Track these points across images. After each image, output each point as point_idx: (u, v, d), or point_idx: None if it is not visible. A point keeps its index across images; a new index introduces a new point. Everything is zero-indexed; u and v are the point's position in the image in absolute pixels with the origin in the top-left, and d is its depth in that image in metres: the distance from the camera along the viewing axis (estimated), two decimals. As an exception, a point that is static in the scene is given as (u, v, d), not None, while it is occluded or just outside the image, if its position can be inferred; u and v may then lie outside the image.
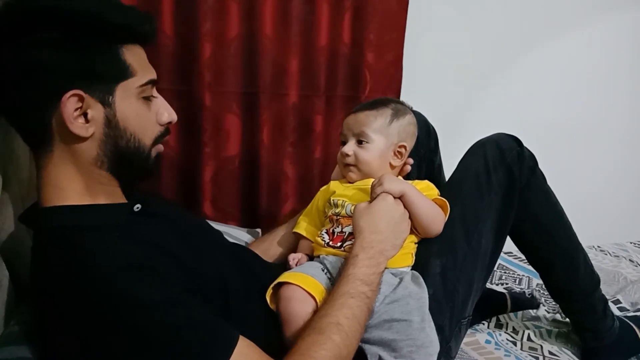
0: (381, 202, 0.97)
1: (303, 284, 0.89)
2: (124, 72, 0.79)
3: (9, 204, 0.91)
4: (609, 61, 2.27)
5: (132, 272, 0.71)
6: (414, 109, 1.17)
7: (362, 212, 0.97)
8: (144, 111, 0.83)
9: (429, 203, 1.03)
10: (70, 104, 0.74)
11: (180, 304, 0.72)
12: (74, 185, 0.80)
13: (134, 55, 0.81)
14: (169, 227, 0.89)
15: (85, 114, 0.76)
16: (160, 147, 0.88)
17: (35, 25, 0.74)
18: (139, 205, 0.86)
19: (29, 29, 0.74)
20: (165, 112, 0.87)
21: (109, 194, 0.84)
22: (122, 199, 0.87)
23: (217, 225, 1.28)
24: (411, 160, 1.16)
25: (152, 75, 0.84)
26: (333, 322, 0.80)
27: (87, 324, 0.69)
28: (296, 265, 1.04)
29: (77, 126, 0.76)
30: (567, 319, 1.37)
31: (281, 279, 0.92)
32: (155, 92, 0.86)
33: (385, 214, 0.96)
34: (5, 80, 0.76)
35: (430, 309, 0.95)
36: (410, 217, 1.01)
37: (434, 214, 1.04)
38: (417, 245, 1.06)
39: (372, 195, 0.99)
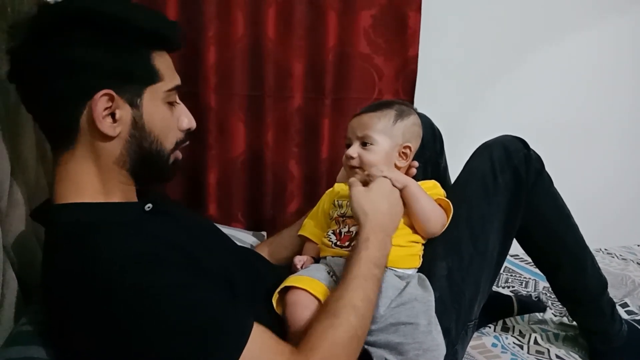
0: (380, 184, 0.99)
1: (309, 287, 0.89)
2: (153, 76, 0.81)
3: (16, 205, 0.91)
4: (612, 62, 2.26)
5: (144, 263, 0.72)
6: (419, 111, 1.17)
7: (362, 195, 0.98)
8: (168, 115, 0.85)
9: (430, 200, 1.03)
10: (101, 103, 0.76)
11: (194, 288, 0.73)
12: (91, 182, 0.81)
13: (163, 61, 0.83)
14: (179, 225, 0.91)
15: (113, 114, 0.78)
16: (178, 153, 0.90)
17: (70, 25, 0.76)
18: (150, 205, 0.87)
19: (64, 28, 0.76)
20: (185, 118, 0.89)
21: (124, 192, 0.85)
22: (134, 199, 0.88)
23: (222, 229, 1.28)
24: (416, 163, 1.16)
25: (178, 81, 0.86)
26: (349, 305, 0.82)
27: (103, 316, 0.69)
28: (302, 267, 1.04)
29: (106, 125, 0.77)
30: (574, 322, 1.36)
31: (287, 283, 0.91)
32: (177, 98, 0.88)
33: (386, 196, 0.98)
34: (38, 76, 0.77)
35: (436, 311, 0.95)
36: (410, 213, 1.01)
37: (435, 212, 1.03)
38: (423, 247, 1.06)
39: (371, 179, 1.00)
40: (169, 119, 0.85)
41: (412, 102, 1.82)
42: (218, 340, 0.69)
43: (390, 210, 0.98)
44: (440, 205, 1.05)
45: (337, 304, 0.82)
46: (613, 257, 2.06)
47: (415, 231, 1.04)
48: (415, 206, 1.00)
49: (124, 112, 0.79)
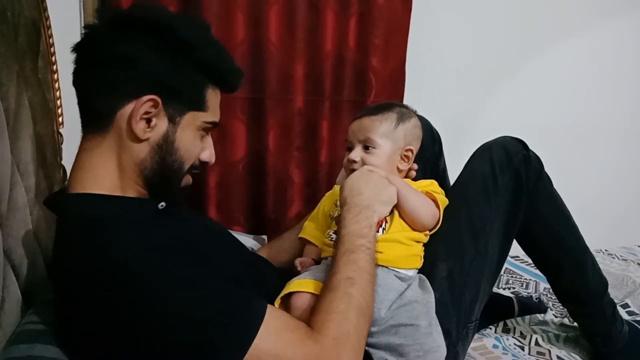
0: (356, 172, 1.02)
1: (314, 290, 0.89)
2: (200, 105, 0.85)
3: (17, 209, 0.91)
4: (613, 65, 2.26)
5: (158, 256, 0.74)
6: (418, 113, 1.17)
7: (342, 188, 1.00)
8: (197, 143, 0.88)
9: (416, 193, 1.03)
10: (145, 106, 0.79)
11: (206, 279, 0.75)
12: (110, 175, 0.82)
13: (214, 96, 0.88)
14: (190, 225, 0.93)
15: (149, 120, 0.81)
16: (189, 178, 0.92)
17: (148, 30, 0.80)
18: (163, 203, 0.88)
19: (141, 29, 0.80)
20: (208, 151, 0.92)
21: (139, 193, 0.86)
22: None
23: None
24: (416, 166, 1.16)
25: (217, 119, 0.90)
26: (344, 278, 0.84)
27: (116, 308, 0.70)
28: (302, 269, 1.04)
29: (139, 127, 0.80)
30: (575, 324, 1.36)
31: (291, 288, 0.91)
32: (209, 133, 0.92)
33: (362, 178, 1.00)
34: (100, 56, 0.80)
35: (437, 313, 0.95)
36: (398, 207, 1.01)
37: (422, 203, 1.03)
38: (424, 247, 1.06)
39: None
40: (196, 146, 0.88)
41: (402, 101, 1.83)
42: (234, 323, 0.71)
43: (372, 187, 0.98)
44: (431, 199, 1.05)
45: (333, 279, 0.85)
46: (614, 257, 2.06)
47: (413, 228, 1.03)
48: (402, 200, 1.01)
49: (161, 122, 0.82)
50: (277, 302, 0.91)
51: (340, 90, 1.80)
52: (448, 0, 1.97)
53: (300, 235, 1.15)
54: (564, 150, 2.17)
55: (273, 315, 0.75)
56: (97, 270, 0.71)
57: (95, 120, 0.82)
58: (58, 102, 1.24)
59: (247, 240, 1.46)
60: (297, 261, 1.06)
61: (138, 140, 0.81)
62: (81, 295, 0.72)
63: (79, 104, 0.85)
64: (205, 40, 0.85)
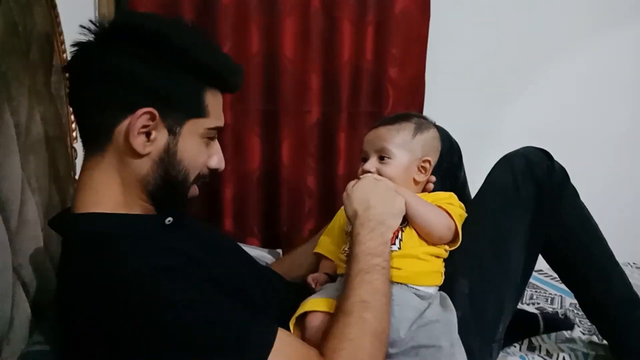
0: (361, 181, 0.99)
1: (331, 309, 0.85)
2: (200, 111, 0.81)
3: (27, 225, 0.90)
4: (633, 71, 2.20)
5: (162, 274, 0.71)
6: (437, 123, 1.14)
7: (348, 197, 0.97)
8: (202, 151, 0.84)
9: (426, 204, 0.99)
10: (141, 119, 0.76)
11: (211, 301, 0.72)
12: (113, 193, 0.80)
13: (214, 99, 0.84)
14: (199, 241, 0.90)
15: (148, 133, 0.78)
16: (195, 189, 0.89)
17: (136, 40, 0.77)
18: (170, 219, 0.86)
19: (130, 40, 0.77)
20: (216, 157, 0.88)
21: (144, 208, 0.84)
22: (154, 212, 0.87)
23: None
24: (434, 178, 1.12)
25: (222, 122, 0.86)
26: (357, 301, 0.80)
27: (119, 329, 0.68)
28: (316, 285, 1.01)
29: (138, 142, 0.77)
30: (605, 341, 1.30)
31: (306, 308, 0.88)
32: (215, 137, 0.89)
33: (369, 189, 0.96)
34: (89, 74, 0.78)
35: (459, 331, 0.91)
36: (410, 219, 0.97)
37: (434, 215, 0.98)
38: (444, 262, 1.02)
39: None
40: (201, 154, 0.85)
41: (422, 112, 1.80)
42: (241, 350, 0.68)
43: (381, 199, 0.94)
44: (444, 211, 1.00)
45: (346, 302, 0.81)
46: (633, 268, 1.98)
47: (430, 243, 0.99)
48: (413, 213, 0.97)
49: (160, 135, 0.79)
50: (292, 322, 0.88)
51: (357, 101, 1.78)
52: (467, 10, 1.94)
53: (315, 250, 1.13)
54: (588, 159, 2.10)
55: (283, 341, 0.72)
56: (101, 289, 0.69)
57: (94, 139, 0.80)
58: (72, 117, 1.24)
59: (262, 255, 1.44)
60: (310, 278, 1.03)
61: (138, 155, 0.78)
62: (85, 314, 0.71)
63: (78, 124, 0.83)
64: (196, 42, 0.80)
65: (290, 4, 1.66)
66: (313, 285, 1.01)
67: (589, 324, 1.45)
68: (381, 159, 1.04)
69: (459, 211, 1.01)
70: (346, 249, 1.00)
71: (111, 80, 0.77)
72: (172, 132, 0.80)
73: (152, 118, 0.77)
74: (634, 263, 2.05)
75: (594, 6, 2.09)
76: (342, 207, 1.13)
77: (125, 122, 0.77)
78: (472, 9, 1.96)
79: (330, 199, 1.83)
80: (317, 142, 1.79)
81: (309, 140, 1.77)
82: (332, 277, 1.04)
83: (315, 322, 0.85)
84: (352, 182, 1.00)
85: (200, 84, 0.81)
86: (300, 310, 0.89)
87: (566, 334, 1.44)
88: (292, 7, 1.67)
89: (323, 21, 1.71)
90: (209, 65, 0.81)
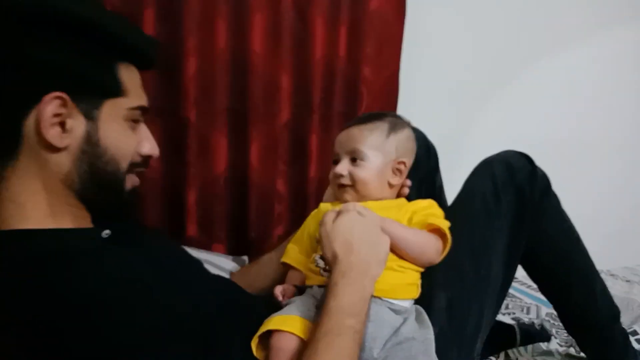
0: (344, 217, 0.85)
1: (295, 329, 0.77)
2: (115, 89, 0.74)
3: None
4: (613, 76, 2.20)
5: (101, 309, 0.62)
6: (412, 125, 1.08)
7: (328, 236, 0.84)
8: (128, 135, 0.77)
9: (412, 233, 0.91)
10: (50, 106, 0.67)
11: (160, 341, 0.64)
12: (37, 203, 0.70)
13: (130, 76, 0.76)
14: (144, 258, 0.78)
15: (63, 123, 0.69)
16: (135, 178, 0.80)
17: (28, 20, 0.67)
18: (108, 232, 0.76)
19: (20, 21, 0.67)
20: (148, 143, 0.80)
21: (76, 217, 0.74)
22: (89, 225, 0.77)
23: (199, 254, 1.17)
24: (409, 182, 1.05)
25: (144, 101, 0.79)
26: None
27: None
28: (283, 298, 0.92)
29: (52, 133, 0.68)
30: (582, 354, 1.25)
31: (269, 326, 0.79)
32: (142, 120, 0.80)
33: (353, 228, 0.84)
34: None
35: (436, 349, 0.84)
36: (395, 249, 0.88)
37: (423, 243, 0.90)
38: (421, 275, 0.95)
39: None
40: (128, 139, 0.76)
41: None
42: None
43: (366, 244, 0.83)
44: (433, 230, 0.92)
45: None
46: (616, 279, 1.96)
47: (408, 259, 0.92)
48: (399, 245, 0.88)
49: (77, 122, 0.70)
50: (255, 341, 0.79)
51: (329, 102, 1.71)
52: (443, 9, 1.90)
53: (282, 260, 1.04)
54: (565, 163, 2.07)
55: None
56: (29, 327, 0.60)
57: (4, 144, 0.70)
58: None
59: (226, 263, 1.35)
60: (277, 290, 0.93)
61: (55, 149, 0.69)
62: (28, 345, 0.61)
63: None
64: (101, 13, 0.72)
65: (260, -1, 1.58)
66: (280, 298, 0.92)
67: (566, 335, 1.41)
68: (353, 160, 0.97)
69: (447, 223, 0.93)
70: (316, 257, 0.92)
71: (8, 67, 0.67)
72: (90, 118, 0.71)
73: (64, 104, 0.68)
74: (608, 270, 2.04)
75: (573, 9, 2.08)
76: (312, 213, 1.06)
77: (33, 114, 0.67)
78: (449, 9, 1.91)
79: (301, 204, 1.75)
80: (287, 143, 1.71)
81: (279, 141, 1.69)
82: (300, 289, 0.95)
83: (279, 344, 0.77)
84: (331, 215, 0.87)
85: (111, 57, 0.73)
86: (263, 329, 0.80)
87: (543, 345, 1.40)
88: (262, 3, 1.59)
89: (294, 18, 1.64)
90: (119, 35, 0.73)
